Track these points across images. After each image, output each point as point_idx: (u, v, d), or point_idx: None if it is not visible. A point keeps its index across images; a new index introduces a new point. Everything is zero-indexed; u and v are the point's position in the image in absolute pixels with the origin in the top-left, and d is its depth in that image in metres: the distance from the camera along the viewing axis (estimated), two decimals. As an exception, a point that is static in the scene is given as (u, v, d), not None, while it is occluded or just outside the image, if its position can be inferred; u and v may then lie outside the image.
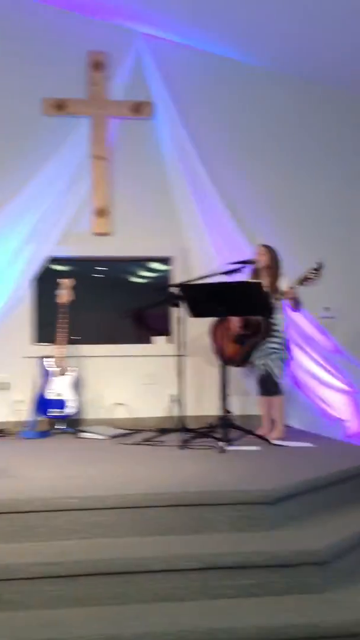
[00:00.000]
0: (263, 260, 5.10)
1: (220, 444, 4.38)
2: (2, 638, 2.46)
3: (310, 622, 2.57)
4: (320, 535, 3.01)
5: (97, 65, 6.05)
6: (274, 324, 4.96)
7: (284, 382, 5.15)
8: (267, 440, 4.77)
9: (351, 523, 3.22)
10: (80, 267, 6.13)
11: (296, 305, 4.99)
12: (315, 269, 4.76)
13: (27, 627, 2.55)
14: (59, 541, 2.98)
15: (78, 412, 5.58)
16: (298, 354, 5.81)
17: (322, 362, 5.97)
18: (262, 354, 5.02)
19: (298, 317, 5.68)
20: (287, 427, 5.30)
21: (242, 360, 5.13)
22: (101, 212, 5.98)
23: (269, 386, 5.07)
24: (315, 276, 4.76)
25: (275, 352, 4.98)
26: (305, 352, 5.92)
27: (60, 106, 5.97)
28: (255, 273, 5.16)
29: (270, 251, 5.12)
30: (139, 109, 6.10)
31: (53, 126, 5.93)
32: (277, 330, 4.98)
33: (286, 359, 5.09)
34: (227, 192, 6.06)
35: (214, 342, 5.26)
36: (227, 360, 4.87)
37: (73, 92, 5.99)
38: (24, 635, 2.50)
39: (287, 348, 5.10)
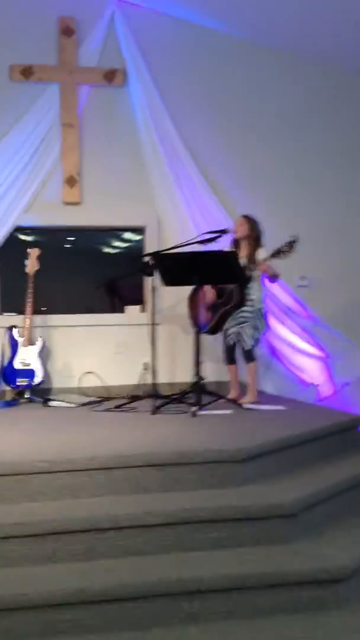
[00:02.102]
0: (242, 230, 5.07)
1: (192, 408, 4.40)
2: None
3: (277, 570, 2.62)
4: (288, 490, 3.06)
5: (67, 30, 5.92)
6: (248, 294, 4.96)
7: (258, 350, 5.15)
8: (238, 404, 4.81)
9: (318, 480, 3.27)
10: (50, 237, 6.06)
11: (271, 277, 4.98)
12: (289, 243, 4.73)
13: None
14: (29, 502, 2.99)
15: (46, 382, 5.53)
16: (273, 323, 5.84)
17: (296, 329, 6.02)
18: (235, 322, 5.03)
19: (274, 287, 5.68)
20: (261, 392, 5.34)
21: (214, 327, 5.13)
22: (71, 181, 5.89)
23: (238, 354, 5.10)
24: (288, 250, 4.73)
25: (247, 321, 4.97)
26: (281, 321, 5.95)
27: (28, 72, 5.84)
28: (235, 243, 5.14)
29: (250, 222, 5.08)
30: (111, 76, 6.00)
31: (21, 92, 5.80)
32: (252, 300, 4.97)
33: (261, 329, 5.07)
34: (204, 162, 6.01)
35: (190, 310, 5.27)
36: (200, 327, 4.87)
37: (42, 58, 5.86)
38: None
39: (264, 318, 5.09)
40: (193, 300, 5.21)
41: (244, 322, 4.99)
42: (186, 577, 2.55)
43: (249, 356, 5.02)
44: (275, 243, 4.85)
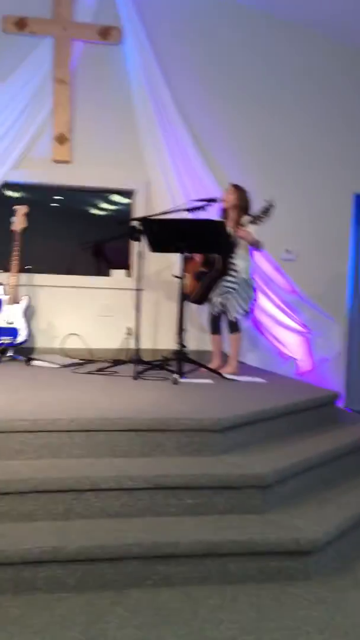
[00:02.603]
0: (230, 199, 5.02)
1: (174, 376, 4.43)
2: None
3: (250, 539, 2.68)
4: (264, 461, 3.11)
5: (63, -18, 5.78)
6: (233, 263, 4.93)
7: (242, 320, 5.14)
8: (219, 374, 4.83)
9: (294, 453, 3.32)
10: (38, 195, 5.98)
11: (252, 245, 4.93)
12: (265, 209, 4.71)
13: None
14: (8, 460, 3.00)
15: (30, 341, 5.53)
16: (257, 295, 5.87)
17: (279, 302, 6.05)
18: (220, 292, 5.02)
19: (258, 258, 5.68)
20: (242, 363, 5.37)
21: (200, 296, 5.13)
22: (61, 139, 5.81)
23: (222, 324, 5.11)
24: (264, 216, 4.71)
25: (231, 291, 4.96)
26: (264, 293, 5.97)
27: (21, 24, 5.71)
28: (224, 213, 5.09)
29: (239, 191, 5.03)
30: (106, 33, 5.88)
31: (13, 45, 5.68)
32: (237, 270, 4.94)
33: (248, 300, 5.03)
34: (196, 128, 5.96)
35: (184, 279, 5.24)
36: (187, 295, 4.88)
37: (37, 10, 5.72)
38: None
39: (252, 289, 5.05)
40: (185, 267, 5.19)
41: (229, 292, 4.96)
42: (162, 541, 2.61)
43: (233, 327, 5.03)
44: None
